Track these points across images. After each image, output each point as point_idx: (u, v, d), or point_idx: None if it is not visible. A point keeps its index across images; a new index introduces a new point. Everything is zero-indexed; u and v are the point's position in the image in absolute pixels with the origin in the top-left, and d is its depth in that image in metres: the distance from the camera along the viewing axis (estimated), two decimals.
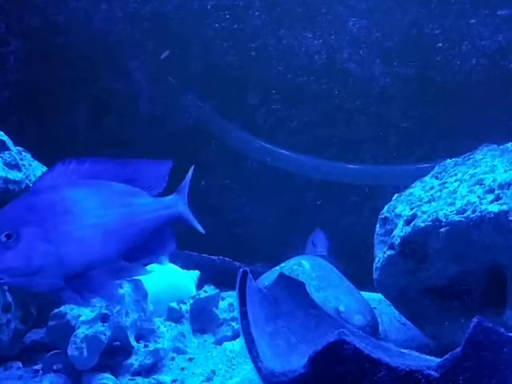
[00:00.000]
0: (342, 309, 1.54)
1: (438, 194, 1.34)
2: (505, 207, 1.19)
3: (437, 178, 1.43)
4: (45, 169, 1.42)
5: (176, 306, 1.51)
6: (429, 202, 1.33)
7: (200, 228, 1.20)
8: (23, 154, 1.43)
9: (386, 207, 1.46)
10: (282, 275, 1.21)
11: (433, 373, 0.80)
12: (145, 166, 1.11)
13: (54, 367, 1.24)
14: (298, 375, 0.85)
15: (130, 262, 1.04)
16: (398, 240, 1.33)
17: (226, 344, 1.47)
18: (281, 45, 2.36)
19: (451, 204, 1.27)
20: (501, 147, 1.41)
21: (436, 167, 1.48)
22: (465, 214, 1.23)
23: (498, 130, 1.95)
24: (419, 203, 1.35)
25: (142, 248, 1.06)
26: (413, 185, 1.47)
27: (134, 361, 1.26)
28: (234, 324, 1.52)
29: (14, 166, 1.35)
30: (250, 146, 2.42)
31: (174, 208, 1.13)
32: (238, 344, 1.45)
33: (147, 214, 1.06)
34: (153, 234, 1.08)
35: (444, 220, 1.25)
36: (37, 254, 0.91)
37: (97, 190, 1.00)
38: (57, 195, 0.95)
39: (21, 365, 1.28)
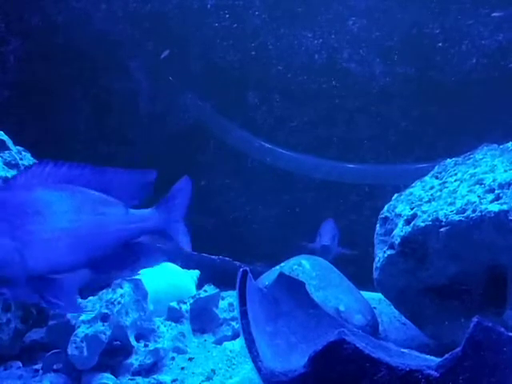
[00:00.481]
0: (342, 308, 1.54)
1: (438, 193, 1.34)
2: (505, 207, 1.19)
3: (437, 177, 1.43)
4: None
5: (176, 306, 1.51)
6: (429, 201, 1.33)
7: (185, 245, 1.16)
8: (23, 153, 1.43)
9: (386, 207, 1.46)
10: (282, 275, 1.21)
11: (433, 372, 0.80)
12: (125, 175, 1.08)
13: (54, 367, 1.24)
14: (298, 375, 0.85)
15: (98, 272, 1.03)
16: (398, 240, 1.33)
17: (226, 344, 1.47)
18: (281, 44, 2.36)
19: (451, 204, 1.27)
20: (501, 147, 1.41)
21: (436, 167, 1.48)
22: (465, 214, 1.23)
23: (497, 129, 1.95)
24: (419, 203, 1.35)
25: (112, 260, 1.04)
26: (413, 184, 1.47)
27: (134, 360, 1.26)
28: (234, 324, 1.52)
29: (13, 165, 1.36)
30: (250, 146, 2.42)
31: (149, 222, 1.10)
32: (238, 344, 1.45)
33: (119, 224, 1.04)
34: (127, 247, 1.06)
35: (444, 220, 1.25)
36: (0, 250, 0.90)
37: (70, 195, 0.99)
38: (29, 195, 0.95)
39: (21, 364, 1.28)
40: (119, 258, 1.05)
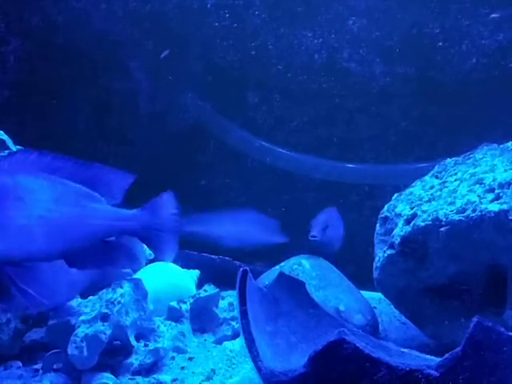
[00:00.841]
0: (342, 308, 1.54)
1: (438, 193, 1.34)
2: (505, 206, 1.19)
3: (437, 177, 1.43)
4: None
5: (176, 306, 1.51)
6: (429, 201, 1.33)
7: (166, 255, 1.14)
8: None
9: (386, 206, 1.46)
10: (282, 274, 1.21)
11: (433, 372, 0.80)
12: (109, 173, 1.07)
13: (54, 366, 1.24)
14: (298, 374, 0.85)
15: (73, 266, 1.03)
16: (398, 239, 1.33)
17: (226, 343, 1.47)
18: (281, 44, 2.36)
19: (451, 203, 1.27)
20: (501, 146, 1.41)
21: (436, 166, 1.48)
22: (465, 214, 1.23)
23: (497, 129, 1.95)
24: (419, 202, 1.35)
25: (90, 255, 1.03)
26: (413, 184, 1.47)
27: (134, 360, 1.26)
28: (234, 323, 1.52)
29: None
30: (250, 146, 2.42)
31: (131, 222, 1.07)
32: (238, 343, 1.45)
33: (100, 220, 1.03)
34: (106, 245, 1.05)
35: (444, 219, 1.25)
36: None
37: (52, 185, 0.99)
38: (11, 180, 0.96)
39: (21, 364, 1.28)
40: (97, 255, 1.04)
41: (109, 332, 1.22)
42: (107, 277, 1.32)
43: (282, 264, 1.75)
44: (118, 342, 1.27)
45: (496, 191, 1.22)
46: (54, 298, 1.02)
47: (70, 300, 1.27)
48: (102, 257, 1.05)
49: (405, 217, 1.34)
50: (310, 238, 1.74)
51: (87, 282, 1.31)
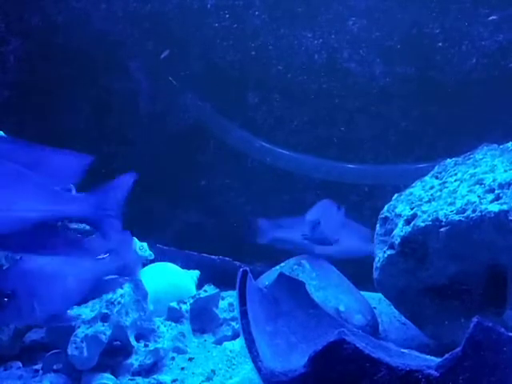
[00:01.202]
0: (342, 308, 1.54)
1: (438, 193, 1.34)
2: (505, 207, 1.19)
3: (437, 177, 1.43)
4: None
5: (176, 306, 1.51)
6: (429, 201, 1.33)
7: (113, 242, 1.10)
8: None
9: (386, 207, 1.46)
10: (282, 275, 1.21)
11: (433, 372, 0.80)
12: (60, 156, 1.02)
13: (54, 367, 1.24)
14: (298, 375, 0.85)
15: (3, 249, 0.98)
16: (398, 240, 1.33)
17: (226, 344, 1.47)
18: (281, 44, 2.36)
19: (451, 204, 1.27)
20: (501, 147, 1.41)
21: (436, 167, 1.48)
22: (465, 214, 1.23)
23: (497, 129, 1.95)
24: (419, 203, 1.35)
25: (23, 238, 0.98)
26: (413, 184, 1.47)
27: (134, 360, 1.26)
28: (234, 324, 1.52)
29: None
30: (250, 146, 2.42)
31: (74, 206, 1.01)
32: (238, 344, 1.45)
33: (34, 203, 0.97)
34: (46, 229, 1.00)
35: (444, 220, 1.25)
36: None
37: None
38: None
39: (21, 364, 1.28)
40: (32, 239, 0.99)
41: (109, 332, 1.22)
42: (106, 285, 1.31)
43: (282, 264, 1.75)
44: (118, 343, 1.27)
45: (496, 192, 1.22)
46: (49, 309, 0.99)
47: (65, 310, 1.24)
48: (38, 240, 1.00)
49: (405, 217, 1.34)
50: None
51: (84, 291, 1.29)
